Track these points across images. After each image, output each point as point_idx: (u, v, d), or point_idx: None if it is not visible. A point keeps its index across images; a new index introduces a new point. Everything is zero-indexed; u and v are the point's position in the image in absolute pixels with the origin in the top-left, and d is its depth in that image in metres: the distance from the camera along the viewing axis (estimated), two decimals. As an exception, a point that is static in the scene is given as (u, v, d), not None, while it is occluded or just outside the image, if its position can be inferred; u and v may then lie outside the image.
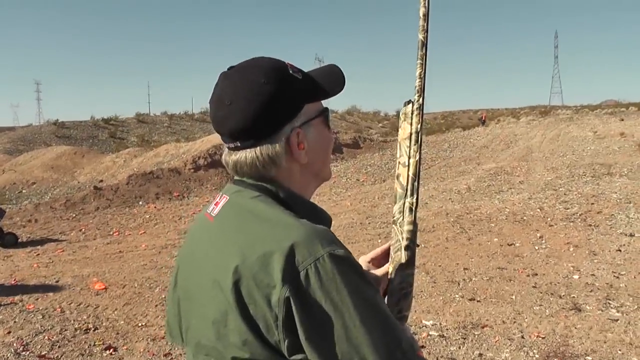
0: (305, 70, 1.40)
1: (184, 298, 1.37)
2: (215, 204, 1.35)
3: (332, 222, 1.37)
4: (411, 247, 1.44)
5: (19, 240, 13.40)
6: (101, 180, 24.27)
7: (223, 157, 1.36)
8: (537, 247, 9.72)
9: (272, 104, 1.25)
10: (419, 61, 1.48)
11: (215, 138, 27.27)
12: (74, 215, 17.07)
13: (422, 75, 1.47)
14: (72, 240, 13.66)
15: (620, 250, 9.12)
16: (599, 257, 8.87)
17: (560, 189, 15.23)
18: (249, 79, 1.26)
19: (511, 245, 10.00)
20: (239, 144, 1.28)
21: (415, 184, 1.45)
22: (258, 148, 1.27)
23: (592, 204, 12.87)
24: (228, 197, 1.32)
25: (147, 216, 16.68)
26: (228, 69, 1.32)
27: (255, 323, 1.13)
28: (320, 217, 1.32)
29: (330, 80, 1.39)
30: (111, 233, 14.36)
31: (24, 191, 24.02)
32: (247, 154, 1.28)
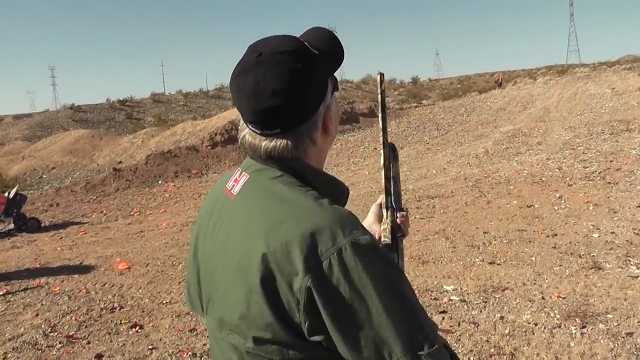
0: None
1: (206, 272, 1.40)
2: (234, 181, 1.36)
3: (351, 192, 1.39)
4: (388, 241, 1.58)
5: (42, 224, 13.61)
6: (120, 162, 24.46)
7: (247, 141, 1.33)
8: (556, 208, 9.68)
9: (311, 87, 1.27)
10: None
11: (231, 114, 27.32)
12: (94, 197, 17.26)
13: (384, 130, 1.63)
14: (93, 222, 13.85)
15: (640, 207, 9.06)
16: (619, 214, 8.82)
17: (579, 148, 15.09)
18: (286, 66, 1.24)
19: (530, 206, 9.97)
20: (279, 130, 1.27)
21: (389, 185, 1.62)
22: (300, 132, 1.28)
23: (611, 161, 12.75)
24: (248, 176, 1.33)
25: (167, 195, 16.83)
26: (256, 56, 1.26)
27: (278, 307, 1.15)
28: (339, 190, 1.36)
29: (335, 49, 1.39)
30: (132, 213, 14.52)
31: (44, 176, 24.29)
32: (287, 140, 1.28)
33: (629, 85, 26.18)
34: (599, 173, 11.79)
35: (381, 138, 1.62)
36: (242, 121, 1.34)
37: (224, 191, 1.39)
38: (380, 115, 1.63)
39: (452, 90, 66.97)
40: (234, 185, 1.35)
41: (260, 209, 1.24)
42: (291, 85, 1.22)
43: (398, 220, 1.63)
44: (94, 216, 14.59)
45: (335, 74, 1.43)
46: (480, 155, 16.56)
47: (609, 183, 10.86)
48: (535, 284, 6.35)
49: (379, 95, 1.65)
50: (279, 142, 1.27)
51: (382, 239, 1.61)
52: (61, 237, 12.05)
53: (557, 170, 12.77)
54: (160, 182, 19.15)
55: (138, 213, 14.42)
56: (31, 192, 19.14)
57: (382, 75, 1.70)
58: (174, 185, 18.34)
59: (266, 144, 1.28)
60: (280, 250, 1.14)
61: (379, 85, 1.66)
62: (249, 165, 1.36)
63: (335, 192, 1.33)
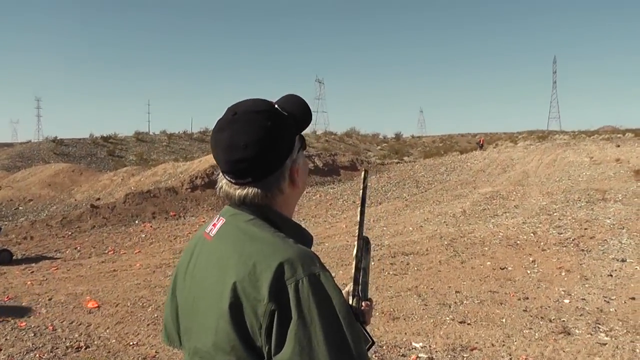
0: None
1: (184, 307, 1.56)
2: (213, 225, 1.53)
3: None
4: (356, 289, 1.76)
5: (14, 257, 13.42)
6: (98, 199, 24.27)
7: (223, 190, 1.52)
8: (529, 272, 9.76)
9: (279, 143, 1.46)
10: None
11: (212, 158, 27.30)
12: (69, 233, 17.08)
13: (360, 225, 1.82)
14: (67, 258, 13.69)
15: (611, 275, 9.17)
16: (591, 281, 8.92)
17: (555, 214, 15.29)
18: (257, 124, 1.43)
19: (504, 269, 10.04)
20: (251, 180, 1.45)
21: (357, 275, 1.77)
22: (269, 182, 1.46)
23: (586, 229, 12.92)
24: (225, 220, 1.50)
25: (143, 235, 16.71)
26: (232, 115, 1.46)
27: (243, 331, 1.30)
28: (304, 236, 1.52)
29: (303, 113, 1.59)
30: (106, 251, 14.39)
31: (20, 208, 24.00)
32: (257, 188, 1.46)
33: (606, 155, 26.71)
34: (573, 240, 11.93)
35: (357, 231, 1.80)
36: (220, 173, 1.52)
37: (203, 235, 1.56)
38: (359, 209, 1.80)
39: (434, 148, 67.66)
40: (212, 228, 1.52)
41: (233, 246, 1.40)
42: (261, 139, 1.41)
43: (362, 309, 1.77)
44: (67, 252, 14.42)
45: (303, 134, 1.61)
46: (457, 215, 16.69)
47: (582, 250, 10.99)
48: (504, 345, 6.38)
49: (361, 191, 1.84)
50: (250, 190, 1.46)
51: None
52: (32, 271, 11.88)
53: (532, 234, 12.91)
54: (137, 221, 19.02)
55: (112, 252, 14.29)
56: (6, 223, 18.90)
57: (366, 172, 1.93)
58: (151, 226, 18.22)
59: (239, 191, 1.47)
60: (248, 279, 1.30)
61: (362, 181, 1.85)
62: (226, 210, 1.53)
63: (300, 237, 1.48)
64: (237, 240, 1.41)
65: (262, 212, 1.47)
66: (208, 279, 1.42)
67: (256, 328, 1.28)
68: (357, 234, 1.79)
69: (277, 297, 1.26)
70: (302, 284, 1.27)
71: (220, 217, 1.53)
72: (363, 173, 1.89)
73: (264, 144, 1.41)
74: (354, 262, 1.77)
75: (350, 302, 1.73)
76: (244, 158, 1.40)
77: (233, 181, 1.47)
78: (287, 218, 1.53)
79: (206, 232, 1.54)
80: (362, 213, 1.80)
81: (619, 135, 41.55)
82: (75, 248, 14.89)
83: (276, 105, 1.53)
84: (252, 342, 1.29)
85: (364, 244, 1.81)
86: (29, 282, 10.51)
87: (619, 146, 29.52)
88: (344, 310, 1.30)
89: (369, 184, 1.70)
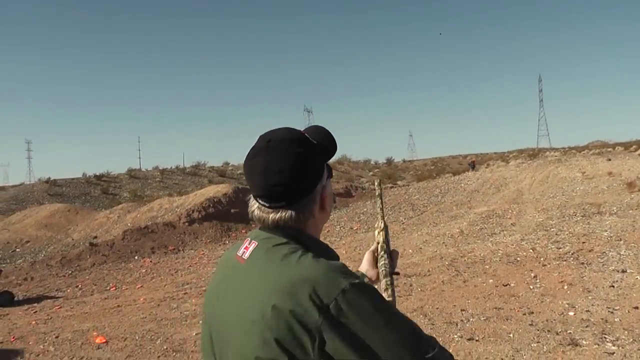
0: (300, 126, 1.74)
1: (218, 332, 1.59)
2: (245, 248, 1.59)
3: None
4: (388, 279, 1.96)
5: (15, 298, 13.40)
6: (95, 237, 24.28)
7: (255, 214, 1.60)
8: (531, 287, 9.84)
9: (311, 168, 1.57)
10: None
11: (208, 192, 27.42)
12: (70, 272, 17.07)
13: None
14: (69, 296, 13.68)
15: (613, 286, 9.25)
16: (593, 293, 9.00)
17: (552, 229, 15.38)
18: (291, 151, 1.53)
19: (506, 285, 10.11)
20: (285, 204, 1.54)
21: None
22: (302, 205, 1.56)
23: (584, 242, 13.01)
24: (257, 243, 1.56)
25: (144, 270, 16.70)
26: (267, 142, 1.56)
27: (292, 352, 1.34)
28: (331, 256, 1.59)
29: (330, 142, 1.73)
30: (108, 288, 14.38)
31: (17, 250, 23.97)
32: (291, 212, 1.55)
33: (598, 169, 26.90)
34: (572, 254, 12.02)
35: (380, 213, 2.27)
36: (252, 198, 1.62)
37: (234, 258, 1.61)
38: (379, 201, 2.35)
39: (426, 171, 67.95)
40: (244, 251, 1.58)
41: (269, 269, 1.47)
42: (295, 165, 1.52)
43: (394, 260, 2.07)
44: (69, 290, 14.42)
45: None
46: (455, 236, 16.78)
47: (582, 263, 11.07)
48: (513, 359, 6.44)
49: (377, 195, 2.41)
50: (284, 213, 1.54)
51: (381, 277, 1.97)
52: (35, 311, 11.87)
53: (532, 250, 12.99)
54: (136, 257, 19.03)
55: (114, 288, 14.29)
56: (4, 265, 18.89)
57: (380, 181, 2.48)
58: (151, 261, 18.23)
59: (273, 215, 1.56)
60: (292, 300, 1.36)
61: (377, 188, 2.44)
62: (257, 234, 1.60)
63: (329, 257, 1.54)
64: (272, 263, 1.47)
65: (294, 234, 1.54)
66: (244, 304, 1.47)
67: (309, 345, 1.33)
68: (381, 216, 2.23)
69: (327, 311, 1.32)
70: (348, 291, 1.35)
71: (252, 241, 1.58)
72: (376, 181, 2.39)
73: (298, 169, 1.51)
74: (382, 234, 2.18)
75: (380, 257, 2.07)
76: (279, 182, 1.49)
77: (267, 205, 1.55)
78: (317, 239, 1.62)
79: (238, 255, 1.59)
80: (381, 204, 2.28)
81: (609, 149, 41.93)
82: (77, 286, 14.89)
83: (306, 134, 1.63)
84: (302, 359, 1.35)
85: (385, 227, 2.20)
86: (33, 322, 10.50)
87: (610, 160, 29.77)
88: (392, 305, 1.46)
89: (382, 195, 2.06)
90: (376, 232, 2.21)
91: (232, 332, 1.51)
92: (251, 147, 1.62)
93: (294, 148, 1.54)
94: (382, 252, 2.10)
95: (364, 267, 2.18)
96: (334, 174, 1.84)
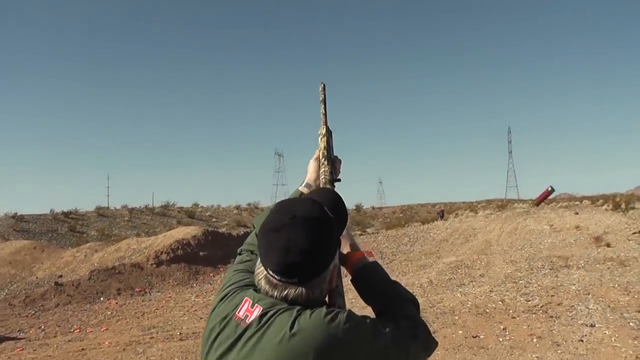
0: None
1: None
2: (247, 311, 1.56)
3: None
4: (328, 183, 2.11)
5: (-25, 338, 13.03)
6: (60, 276, 23.79)
7: (263, 284, 1.59)
8: (501, 339, 9.85)
9: (330, 249, 1.60)
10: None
11: (178, 233, 27.16)
12: (33, 312, 16.68)
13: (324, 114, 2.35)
14: (31, 338, 13.34)
15: (582, 341, 9.30)
16: (562, 347, 9.03)
17: (520, 282, 15.48)
18: (315, 232, 1.53)
19: (475, 337, 10.11)
20: (297, 280, 1.54)
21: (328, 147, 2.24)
22: (313, 284, 1.57)
23: (552, 295, 13.10)
24: (262, 308, 1.54)
25: (109, 312, 16.39)
26: (290, 218, 1.54)
27: None
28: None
29: (342, 215, 1.80)
30: (72, 330, 14.07)
31: (-21, 287, 23.36)
32: (302, 289, 1.55)
33: (566, 222, 27.23)
34: (541, 307, 12.08)
35: (323, 119, 2.33)
36: (259, 263, 1.60)
37: (234, 318, 1.58)
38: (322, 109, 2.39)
39: (395, 219, 68.17)
40: (246, 315, 1.55)
41: (275, 337, 1.46)
42: (316, 247, 1.52)
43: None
44: (31, 332, 14.06)
45: None
46: (424, 285, 16.79)
47: (551, 317, 11.13)
48: (484, 414, 6.40)
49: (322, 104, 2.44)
50: (294, 290, 1.55)
51: (322, 181, 2.09)
52: (-4, 353, 11.55)
53: (501, 302, 13.04)
54: (102, 298, 18.68)
55: (78, 330, 13.97)
56: (-36, 303, 18.38)
57: (323, 85, 2.48)
58: (117, 303, 17.90)
59: (282, 289, 1.55)
60: None
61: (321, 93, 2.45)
62: (260, 298, 1.58)
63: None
64: (279, 331, 1.47)
65: (297, 303, 1.55)
66: None
67: None
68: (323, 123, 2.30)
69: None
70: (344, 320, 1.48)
71: (256, 305, 1.55)
72: (321, 85, 2.44)
73: (318, 252, 1.52)
74: (323, 140, 2.24)
75: (322, 164, 2.17)
76: (298, 262, 1.49)
77: (277, 278, 1.54)
78: (322, 302, 1.64)
79: (238, 317, 1.57)
80: (324, 109, 2.35)
81: (576, 203, 42.50)
82: (40, 327, 14.53)
83: (325, 207, 1.63)
84: None
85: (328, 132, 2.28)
86: (-7, 365, 10.21)
87: (577, 213, 30.15)
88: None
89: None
90: (319, 138, 2.23)
91: None
92: (270, 214, 1.61)
93: (317, 230, 1.54)
94: (323, 160, 2.15)
95: (311, 176, 2.20)
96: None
